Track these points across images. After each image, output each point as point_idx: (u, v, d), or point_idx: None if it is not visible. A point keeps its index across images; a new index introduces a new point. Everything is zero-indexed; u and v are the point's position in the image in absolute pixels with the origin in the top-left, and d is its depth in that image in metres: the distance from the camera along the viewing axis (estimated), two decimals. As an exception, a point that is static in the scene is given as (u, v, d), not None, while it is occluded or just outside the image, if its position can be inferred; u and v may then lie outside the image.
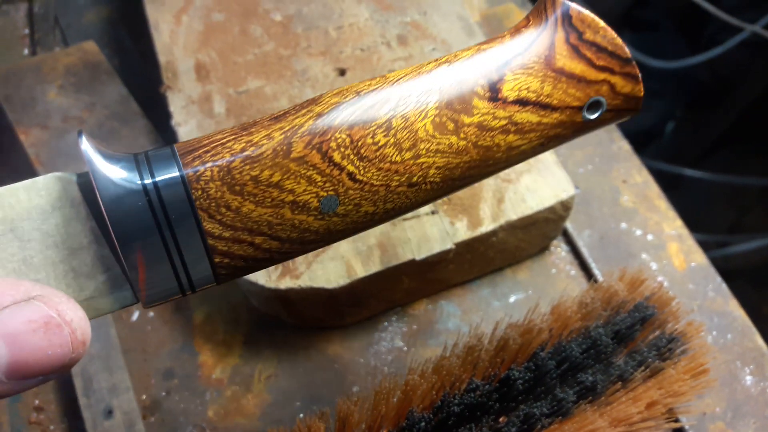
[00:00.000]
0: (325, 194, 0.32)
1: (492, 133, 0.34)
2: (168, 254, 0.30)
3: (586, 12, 0.35)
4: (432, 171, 0.33)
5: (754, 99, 1.36)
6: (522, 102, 0.34)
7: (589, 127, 0.36)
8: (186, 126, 0.65)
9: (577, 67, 0.34)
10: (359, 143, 0.32)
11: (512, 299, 0.66)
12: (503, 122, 0.34)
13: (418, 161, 0.33)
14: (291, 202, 0.31)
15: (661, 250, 0.68)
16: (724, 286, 0.66)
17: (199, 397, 0.62)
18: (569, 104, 0.34)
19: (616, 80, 0.35)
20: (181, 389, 0.62)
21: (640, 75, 0.35)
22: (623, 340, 0.54)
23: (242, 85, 0.68)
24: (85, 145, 0.30)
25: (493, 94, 0.33)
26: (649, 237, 0.69)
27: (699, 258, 0.68)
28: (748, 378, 0.61)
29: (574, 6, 0.36)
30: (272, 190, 0.31)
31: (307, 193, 0.31)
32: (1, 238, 0.29)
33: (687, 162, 1.33)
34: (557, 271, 0.67)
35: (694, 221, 0.85)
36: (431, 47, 0.70)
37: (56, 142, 0.71)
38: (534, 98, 0.34)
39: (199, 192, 0.30)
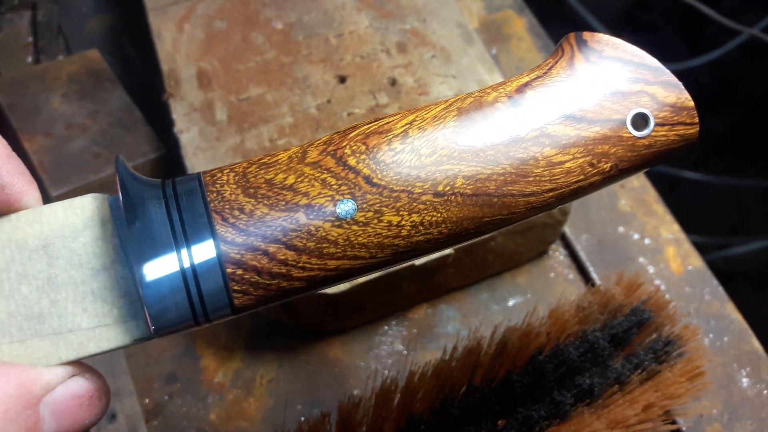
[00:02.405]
0: (341, 197, 0.30)
1: (523, 144, 0.32)
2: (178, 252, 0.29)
3: (600, 34, 0.34)
4: (459, 180, 0.31)
5: (754, 101, 1.36)
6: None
7: (646, 147, 0.33)
8: (188, 133, 0.66)
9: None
10: (374, 149, 0.31)
11: (511, 303, 0.67)
12: (534, 133, 0.32)
13: (441, 168, 0.31)
14: (305, 205, 0.30)
15: (658, 253, 0.69)
16: (720, 289, 0.67)
17: (202, 400, 0.63)
18: (607, 117, 0.32)
19: (654, 90, 0.33)
20: (184, 393, 0.63)
21: (680, 82, 0.33)
22: (620, 344, 0.54)
23: (244, 93, 0.69)
24: (121, 167, 0.30)
25: (517, 100, 0.32)
26: (647, 241, 0.70)
27: (696, 261, 0.68)
28: (745, 380, 0.62)
29: (586, 32, 0.35)
30: (286, 193, 0.30)
31: (321, 196, 0.30)
32: (33, 254, 0.29)
33: (687, 164, 1.33)
34: (555, 275, 0.68)
35: (694, 223, 0.86)
36: (430, 54, 0.71)
37: (60, 149, 0.72)
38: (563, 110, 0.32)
39: (214, 194, 0.30)
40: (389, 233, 0.31)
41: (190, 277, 0.29)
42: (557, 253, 0.69)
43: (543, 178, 0.32)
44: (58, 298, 0.29)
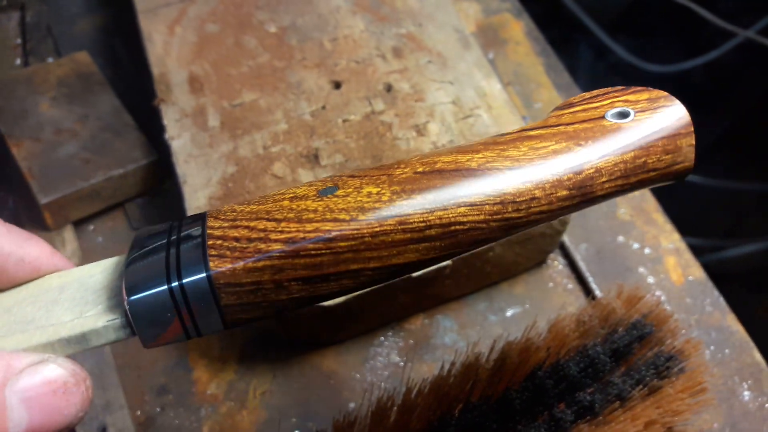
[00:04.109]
0: (324, 186, 0.31)
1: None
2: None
3: None
4: (437, 159, 0.32)
5: (750, 103, 1.36)
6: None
7: (623, 130, 0.33)
8: (179, 139, 0.65)
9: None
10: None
11: (509, 313, 0.66)
12: None
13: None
14: (290, 197, 0.31)
15: (658, 263, 0.68)
16: (721, 300, 0.66)
17: (194, 413, 0.61)
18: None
19: (626, 96, 0.34)
20: (176, 405, 0.62)
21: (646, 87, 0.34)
22: (621, 359, 0.53)
23: (236, 98, 0.67)
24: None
25: None
26: (647, 251, 0.69)
27: (696, 272, 0.67)
28: (746, 393, 0.61)
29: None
30: (273, 193, 0.32)
31: (305, 187, 0.32)
32: (50, 290, 0.32)
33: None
34: (554, 285, 0.67)
35: (690, 226, 0.85)
36: (427, 59, 0.70)
37: (49, 154, 0.70)
38: None
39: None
40: (369, 199, 0.31)
41: (173, 252, 0.30)
42: (556, 263, 0.68)
43: (523, 158, 0.33)
44: (54, 308, 0.30)
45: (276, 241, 0.30)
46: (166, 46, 0.71)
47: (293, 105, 0.67)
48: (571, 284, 0.67)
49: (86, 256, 0.70)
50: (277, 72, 0.69)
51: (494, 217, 0.31)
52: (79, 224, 0.72)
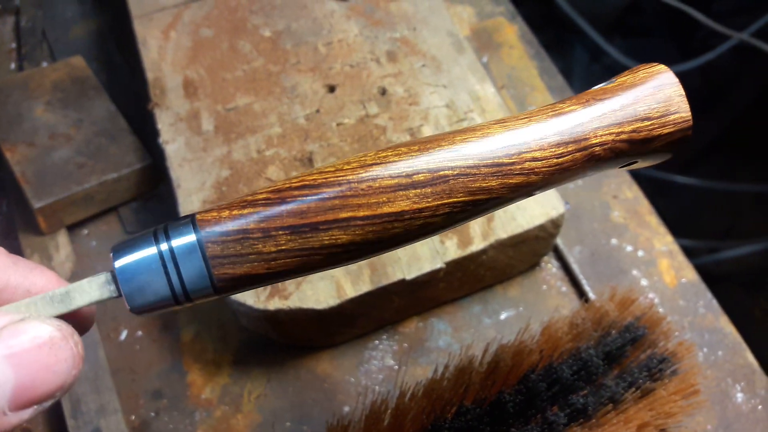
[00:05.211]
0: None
1: None
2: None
3: None
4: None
5: (745, 105, 1.36)
6: None
7: (608, 90, 0.34)
8: (174, 144, 0.65)
9: None
10: None
11: (503, 316, 0.66)
12: None
13: None
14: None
15: (651, 266, 0.68)
16: (714, 302, 0.66)
17: (189, 417, 0.61)
18: None
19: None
20: (170, 409, 0.62)
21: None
22: (614, 361, 0.53)
23: (231, 102, 0.67)
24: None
25: None
26: (640, 253, 0.69)
27: (690, 274, 0.67)
28: (739, 395, 0.61)
29: None
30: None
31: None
32: (55, 294, 0.30)
33: (678, 168, 1.33)
34: (548, 288, 0.67)
35: (685, 227, 0.85)
36: (421, 63, 0.70)
37: (43, 158, 0.70)
38: None
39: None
40: (354, 157, 0.31)
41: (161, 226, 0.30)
42: (549, 265, 0.68)
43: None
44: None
45: (262, 191, 0.30)
46: (161, 51, 0.72)
47: (287, 109, 0.67)
48: (565, 287, 0.67)
49: (80, 261, 0.70)
50: (271, 76, 0.69)
51: (485, 161, 0.31)
52: (73, 228, 0.72)
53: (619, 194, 0.73)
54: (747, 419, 0.60)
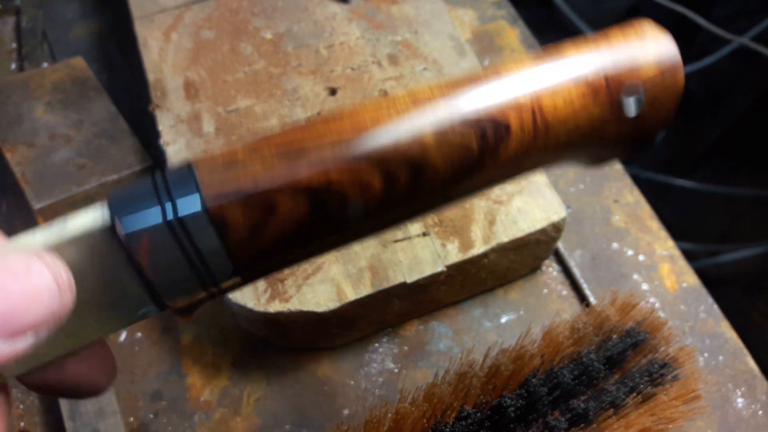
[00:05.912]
0: None
1: None
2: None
3: None
4: None
5: (744, 109, 1.36)
6: None
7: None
8: (174, 145, 0.65)
9: None
10: None
11: (504, 320, 0.66)
12: None
13: None
14: None
15: (652, 270, 0.68)
16: (715, 307, 0.66)
17: (188, 419, 0.61)
18: None
19: None
20: (169, 412, 0.62)
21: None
22: (615, 366, 0.53)
23: (232, 104, 0.67)
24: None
25: None
26: (641, 257, 0.69)
27: (691, 279, 0.67)
28: (740, 401, 0.61)
29: None
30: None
31: None
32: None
33: (678, 172, 1.33)
34: (549, 292, 0.67)
35: (685, 231, 0.85)
36: (422, 66, 0.70)
37: (43, 160, 0.70)
38: None
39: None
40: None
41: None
42: (550, 269, 0.68)
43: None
44: None
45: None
46: (162, 52, 0.71)
47: (288, 111, 0.67)
48: (566, 291, 0.67)
49: (80, 262, 0.70)
50: (272, 78, 0.69)
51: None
52: (73, 230, 0.72)
53: (620, 198, 0.73)
54: (748, 424, 0.60)
